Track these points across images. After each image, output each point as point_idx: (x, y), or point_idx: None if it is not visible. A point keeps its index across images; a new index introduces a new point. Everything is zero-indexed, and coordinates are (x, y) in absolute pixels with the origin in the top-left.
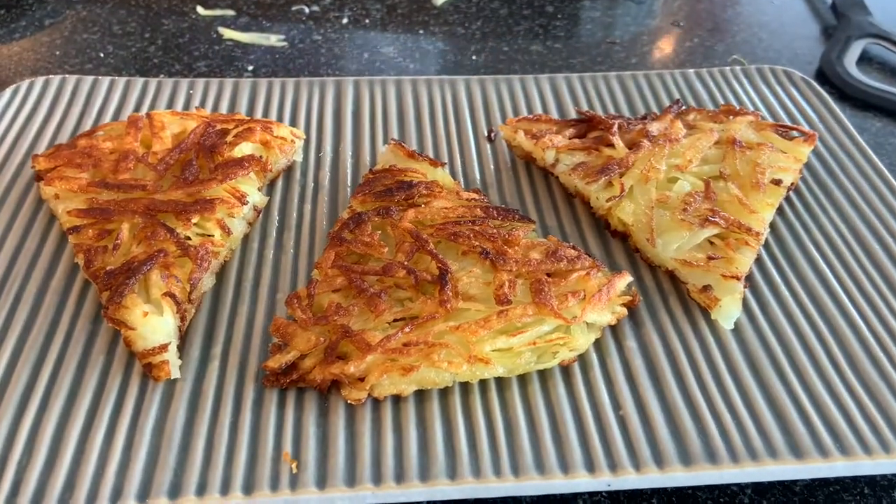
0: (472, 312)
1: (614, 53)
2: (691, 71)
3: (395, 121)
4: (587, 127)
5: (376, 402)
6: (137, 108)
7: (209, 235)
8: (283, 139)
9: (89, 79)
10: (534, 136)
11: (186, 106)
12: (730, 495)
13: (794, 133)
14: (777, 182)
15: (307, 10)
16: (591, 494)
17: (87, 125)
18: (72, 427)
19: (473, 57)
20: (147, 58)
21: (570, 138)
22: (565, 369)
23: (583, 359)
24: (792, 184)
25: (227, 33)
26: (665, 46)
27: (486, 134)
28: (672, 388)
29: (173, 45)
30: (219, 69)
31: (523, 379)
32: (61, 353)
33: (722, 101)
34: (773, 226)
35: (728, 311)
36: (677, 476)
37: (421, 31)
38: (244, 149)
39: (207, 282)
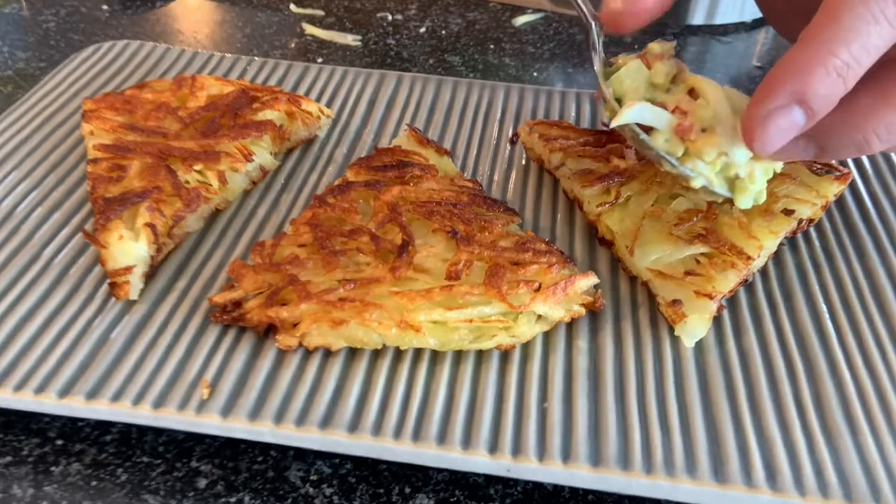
0: (419, 283)
1: None
2: None
3: (425, 114)
4: (607, 139)
5: (307, 353)
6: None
7: (208, 184)
8: (309, 113)
9: (162, 46)
10: (548, 140)
11: (239, 79)
12: None
13: (829, 171)
14: (788, 212)
15: (390, 17)
16: (506, 489)
17: None
18: (32, 323)
19: (535, 73)
20: (232, 42)
21: (582, 145)
22: (504, 355)
23: (525, 348)
24: (811, 219)
25: (310, 29)
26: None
27: (509, 137)
28: (607, 391)
29: (258, 35)
30: (290, 59)
31: (458, 356)
32: (49, 260)
33: None
34: (779, 258)
35: (692, 329)
36: (581, 474)
37: (492, 47)
38: (267, 115)
39: (194, 224)
